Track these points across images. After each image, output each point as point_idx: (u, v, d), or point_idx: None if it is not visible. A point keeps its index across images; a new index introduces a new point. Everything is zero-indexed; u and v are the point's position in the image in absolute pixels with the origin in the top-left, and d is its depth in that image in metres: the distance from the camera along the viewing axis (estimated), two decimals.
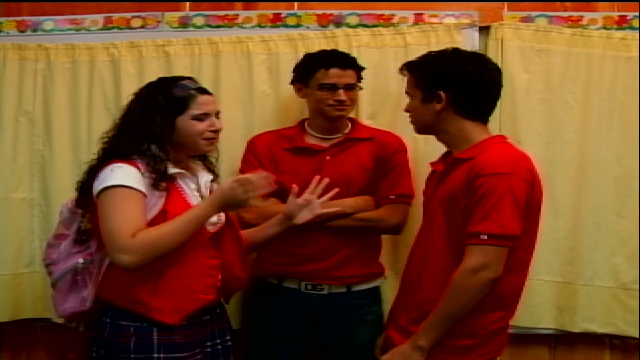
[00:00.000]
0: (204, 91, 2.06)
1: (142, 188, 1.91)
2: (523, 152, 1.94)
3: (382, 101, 2.59)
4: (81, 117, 2.65)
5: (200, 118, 2.02)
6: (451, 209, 1.90)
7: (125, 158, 1.94)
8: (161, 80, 2.08)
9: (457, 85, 1.93)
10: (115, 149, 1.98)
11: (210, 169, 2.16)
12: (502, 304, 1.90)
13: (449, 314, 1.85)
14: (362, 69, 2.41)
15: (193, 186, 2.05)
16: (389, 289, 2.50)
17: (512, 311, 1.96)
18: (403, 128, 2.50)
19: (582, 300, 2.56)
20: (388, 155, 2.39)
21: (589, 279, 2.56)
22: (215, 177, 2.15)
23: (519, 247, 1.85)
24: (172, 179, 1.98)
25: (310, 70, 2.37)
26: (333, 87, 2.33)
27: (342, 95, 2.33)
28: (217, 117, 2.07)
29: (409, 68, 2.03)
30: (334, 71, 2.33)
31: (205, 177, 2.10)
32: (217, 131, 2.05)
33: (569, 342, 2.64)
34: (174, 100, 2.00)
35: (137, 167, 1.93)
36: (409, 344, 1.89)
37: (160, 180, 1.94)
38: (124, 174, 1.91)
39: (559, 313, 2.59)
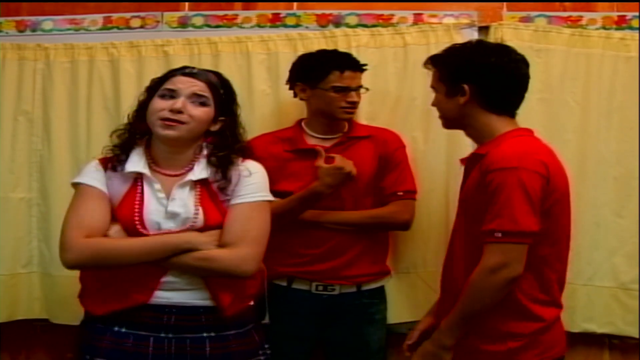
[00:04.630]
0: (187, 73, 1.92)
1: (97, 183, 1.90)
2: (541, 145, 1.89)
3: (381, 101, 2.58)
4: (80, 116, 2.64)
5: (164, 94, 1.88)
6: (468, 208, 1.88)
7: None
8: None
9: (480, 77, 1.88)
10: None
11: (223, 163, 1.94)
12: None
13: (469, 313, 1.80)
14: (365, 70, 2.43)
15: (158, 187, 1.90)
16: (392, 288, 2.52)
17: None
18: (402, 127, 2.53)
19: (581, 300, 2.55)
20: (390, 152, 2.40)
21: (589, 279, 2.56)
22: (223, 171, 1.93)
23: (542, 243, 1.79)
24: (131, 176, 1.91)
25: (322, 71, 2.35)
26: (346, 90, 2.34)
27: (355, 97, 2.36)
28: (195, 102, 1.88)
29: (433, 62, 1.98)
30: (348, 74, 2.35)
31: (193, 176, 1.91)
32: (173, 111, 1.85)
33: (568, 342, 2.59)
34: (157, 81, 1.95)
35: (101, 162, 1.93)
36: (432, 343, 1.84)
37: (112, 171, 1.92)
38: (84, 170, 1.94)
39: None
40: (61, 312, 2.64)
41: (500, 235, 1.73)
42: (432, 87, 1.99)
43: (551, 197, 1.79)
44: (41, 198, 2.66)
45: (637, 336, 2.55)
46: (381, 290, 2.46)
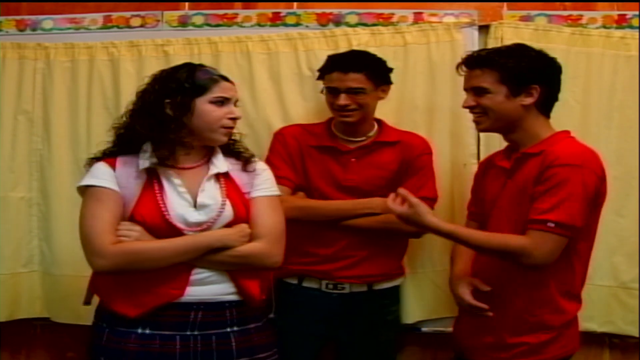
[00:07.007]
0: (226, 78, 2.00)
1: (111, 184, 1.90)
2: (590, 147, 1.99)
3: (381, 100, 2.56)
4: (80, 116, 2.64)
5: (219, 101, 1.94)
6: (521, 202, 1.93)
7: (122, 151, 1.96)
8: (185, 64, 2.03)
9: (549, 79, 1.99)
10: (128, 135, 1.96)
11: (241, 154, 2.05)
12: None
13: (472, 246, 1.98)
14: (377, 71, 2.34)
15: (177, 181, 1.93)
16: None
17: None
18: (404, 127, 2.51)
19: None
20: (413, 157, 2.35)
21: (589, 278, 2.51)
22: (246, 161, 2.04)
23: (580, 238, 1.91)
24: (143, 174, 1.92)
25: (321, 73, 2.36)
26: (335, 91, 2.31)
27: (341, 99, 2.29)
28: (236, 106, 2.00)
29: (490, 64, 1.98)
30: (335, 75, 2.31)
31: (215, 170, 1.97)
32: (235, 119, 1.97)
33: None
34: (196, 82, 1.93)
35: (108, 162, 1.93)
36: (430, 224, 1.96)
37: (121, 170, 1.91)
38: (96, 172, 1.92)
39: None
40: (62, 311, 2.65)
41: (553, 225, 1.84)
42: (484, 87, 1.99)
43: (600, 197, 1.92)
44: (41, 197, 2.66)
45: (637, 335, 2.55)
46: (394, 291, 2.44)
